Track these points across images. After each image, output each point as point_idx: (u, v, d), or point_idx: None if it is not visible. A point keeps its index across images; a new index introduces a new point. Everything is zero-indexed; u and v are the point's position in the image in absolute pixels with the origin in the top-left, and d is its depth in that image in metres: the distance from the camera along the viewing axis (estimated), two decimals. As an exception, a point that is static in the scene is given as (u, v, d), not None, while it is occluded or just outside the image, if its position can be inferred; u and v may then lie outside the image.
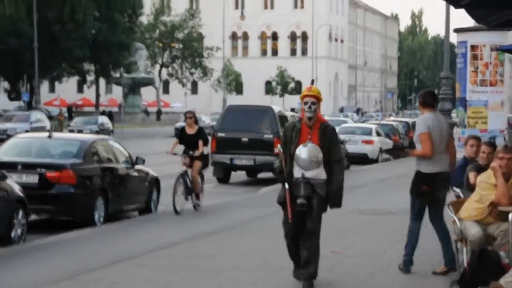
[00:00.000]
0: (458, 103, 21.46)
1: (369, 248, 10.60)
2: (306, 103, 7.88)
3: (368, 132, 31.71)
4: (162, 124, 73.20)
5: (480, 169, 8.89)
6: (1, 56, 56.98)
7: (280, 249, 10.30)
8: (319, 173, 7.81)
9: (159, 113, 79.54)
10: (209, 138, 17.37)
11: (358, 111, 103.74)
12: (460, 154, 10.16)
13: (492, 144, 9.59)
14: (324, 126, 7.90)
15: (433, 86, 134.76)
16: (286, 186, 7.79)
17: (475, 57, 20.39)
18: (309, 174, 7.79)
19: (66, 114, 72.56)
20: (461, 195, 9.13)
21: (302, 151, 7.78)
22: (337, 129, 32.19)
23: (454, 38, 23.28)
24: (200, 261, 9.49)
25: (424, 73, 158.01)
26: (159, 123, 74.61)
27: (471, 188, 8.76)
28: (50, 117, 51.56)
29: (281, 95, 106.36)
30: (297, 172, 7.83)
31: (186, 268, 9.02)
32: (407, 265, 8.89)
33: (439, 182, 8.69)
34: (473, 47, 20.43)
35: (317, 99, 7.90)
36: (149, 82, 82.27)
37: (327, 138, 7.85)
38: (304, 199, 7.72)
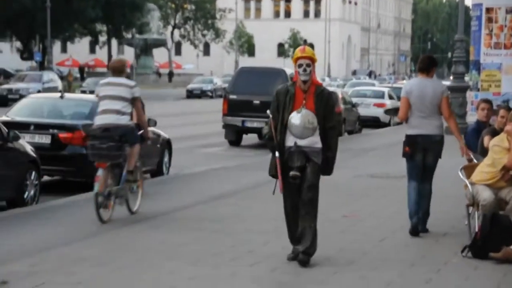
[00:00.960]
0: (471, 66, 21.31)
1: (381, 211, 10.61)
2: (300, 65, 7.31)
3: (381, 95, 31.56)
4: (174, 85, 73.15)
5: (495, 133, 8.85)
6: (13, 16, 56.85)
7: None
8: (314, 141, 7.32)
9: (171, 74, 79.46)
10: (221, 100, 17.33)
11: (370, 74, 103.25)
12: (473, 118, 10.14)
13: (509, 108, 9.54)
14: (320, 90, 7.37)
15: (447, 49, 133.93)
16: (277, 154, 7.29)
17: (490, 20, 20.20)
18: (303, 142, 7.30)
19: (78, 75, 72.62)
20: (474, 159, 9.11)
21: (296, 118, 7.26)
22: (349, 92, 32.14)
23: (469, 1, 23.04)
24: (213, 223, 9.53)
25: (438, 36, 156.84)
26: (171, 85, 74.56)
27: (485, 152, 8.73)
28: (62, 78, 51.55)
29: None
30: (290, 141, 7.34)
31: (198, 230, 9.05)
32: (412, 219, 9.04)
33: (423, 145, 8.93)
34: (488, 10, 20.23)
35: (312, 60, 7.36)
36: (161, 44, 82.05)
37: (323, 103, 7.32)
38: (298, 170, 7.25)
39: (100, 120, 9.62)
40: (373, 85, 41.48)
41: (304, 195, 7.30)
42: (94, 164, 9.60)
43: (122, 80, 9.77)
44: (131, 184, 9.99)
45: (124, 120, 9.60)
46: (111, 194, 9.49)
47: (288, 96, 7.34)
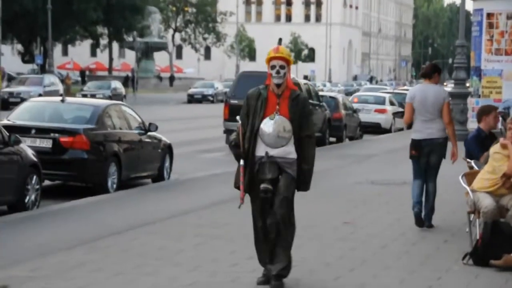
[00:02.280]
0: (472, 72, 21.32)
1: (381, 218, 10.60)
2: (273, 66, 6.60)
3: (382, 101, 31.56)
4: (176, 90, 73.16)
5: None
6: (15, 17, 56.87)
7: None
8: (288, 151, 6.61)
9: (172, 78, 79.47)
10: (222, 104, 17.32)
11: (371, 79, 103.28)
12: (474, 124, 10.19)
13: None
14: (295, 94, 6.66)
15: (448, 54, 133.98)
16: (241, 162, 6.60)
17: (490, 25, 20.23)
18: (275, 152, 6.59)
19: (79, 78, 72.65)
20: (475, 166, 9.11)
21: (269, 125, 6.55)
22: (350, 98, 32.12)
23: (470, 6, 23.11)
24: (212, 229, 9.52)
25: (439, 41, 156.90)
26: (172, 89, 74.57)
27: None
28: (62, 81, 51.60)
29: (294, 62, 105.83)
30: (260, 150, 6.63)
31: (197, 236, 9.04)
32: (415, 207, 9.64)
33: (427, 148, 9.62)
34: (489, 15, 20.27)
35: (287, 61, 6.65)
36: (162, 47, 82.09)
37: (299, 109, 6.61)
38: (269, 183, 6.54)
39: None
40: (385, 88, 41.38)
41: (276, 210, 6.58)
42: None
43: None
44: None
45: None
46: None
47: (260, 101, 6.65)
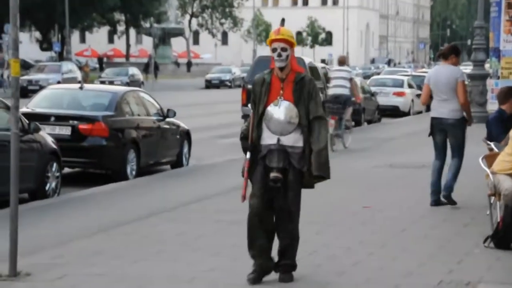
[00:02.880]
0: (491, 53, 21.14)
1: (401, 202, 10.57)
2: (274, 49, 6.27)
3: (400, 84, 31.40)
4: (193, 75, 73.20)
5: None
6: (32, 6, 57.05)
7: (311, 204, 10.31)
8: (296, 139, 6.32)
9: (189, 64, 79.49)
10: (240, 90, 17.33)
11: (389, 62, 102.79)
12: (494, 106, 10.14)
13: None
14: (300, 77, 6.34)
15: (467, 36, 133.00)
16: (247, 155, 6.30)
17: (509, 6, 20.01)
18: (284, 139, 6.30)
19: (97, 65, 72.84)
20: (494, 148, 9.05)
21: (275, 111, 6.27)
22: (368, 81, 31.99)
23: (489, -13, 22.87)
24: (231, 214, 9.52)
25: (457, 22, 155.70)
26: (189, 75, 74.61)
27: None
28: (80, 68, 51.80)
29: (312, 46, 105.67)
30: (269, 137, 6.32)
31: (217, 222, 9.06)
32: (432, 196, 10.00)
33: (438, 127, 9.87)
34: (508, -5, 20.02)
35: (289, 43, 6.31)
36: (179, 33, 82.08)
37: (304, 92, 6.31)
38: (279, 171, 6.25)
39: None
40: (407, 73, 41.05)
41: (285, 205, 6.30)
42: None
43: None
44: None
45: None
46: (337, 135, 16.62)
47: (265, 86, 6.36)
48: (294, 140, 6.32)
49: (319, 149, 6.26)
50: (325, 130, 6.36)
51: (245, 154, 6.36)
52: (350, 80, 17.24)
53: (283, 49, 6.28)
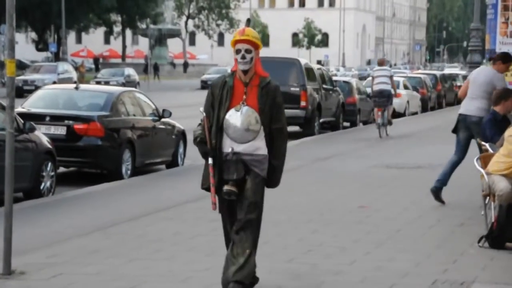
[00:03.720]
0: (487, 55, 21.16)
1: (397, 201, 10.57)
2: (238, 51, 5.86)
3: (396, 86, 31.32)
4: (189, 76, 73.22)
5: None
6: (29, 6, 57.03)
7: (308, 203, 10.33)
8: (256, 147, 5.86)
9: (185, 65, 79.49)
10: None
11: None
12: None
13: None
14: (265, 82, 5.90)
15: (463, 38, 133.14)
16: (210, 161, 5.86)
17: (506, 8, 20.03)
18: (241, 148, 5.84)
19: (93, 66, 72.83)
20: (489, 149, 9.06)
21: (236, 117, 5.81)
22: (364, 82, 32.00)
23: (485, -11, 22.90)
24: (227, 214, 9.52)
25: (453, 24, 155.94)
26: (185, 75, 74.62)
27: None
28: (76, 68, 51.79)
29: (308, 48, 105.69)
30: (226, 146, 5.89)
31: (213, 222, 9.03)
32: (435, 189, 10.14)
33: (462, 123, 10.06)
34: (504, -3, 20.05)
35: (254, 45, 5.88)
36: (175, 34, 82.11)
37: (270, 99, 5.86)
38: (235, 184, 5.83)
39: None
40: (405, 74, 41.04)
41: (243, 216, 5.85)
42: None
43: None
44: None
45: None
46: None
47: (225, 90, 5.89)
48: (254, 148, 5.87)
49: (277, 165, 5.96)
50: (284, 144, 5.99)
51: (205, 159, 5.92)
52: (391, 77, 20.59)
53: (247, 51, 5.87)
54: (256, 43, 5.90)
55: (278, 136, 5.94)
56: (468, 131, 10.07)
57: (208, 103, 5.94)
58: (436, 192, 10.14)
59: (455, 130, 10.25)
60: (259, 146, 5.89)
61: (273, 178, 6.00)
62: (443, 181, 10.15)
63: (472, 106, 10.01)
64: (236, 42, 5.91)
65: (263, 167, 5.90)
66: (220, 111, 5.89)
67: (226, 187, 5.84)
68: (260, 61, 5.96)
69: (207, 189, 5.96)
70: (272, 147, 5.93)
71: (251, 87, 5.90)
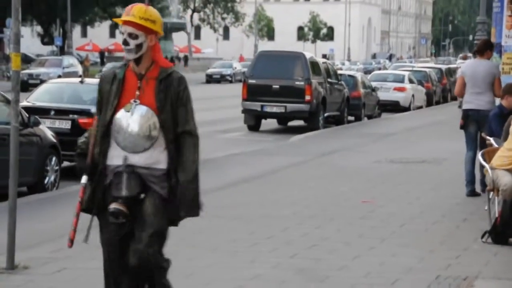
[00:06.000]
0: (496, 49, 21.12)
1: (401, 197, 10.57)
2: (122, 34, 4.62)
3: (400, 79, 31.38)
4: (193, 70, 73.18)
5: None
6: (34, 0, 57.02)
7: (312, 198, 10.32)
8: (156, 159, 4.56)
9: (186, 59, 79.42)
10: (241, 84, 17.36)
11: (391, 57, 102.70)
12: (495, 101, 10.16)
13: None
14: (166, 73, 4.60)
15: (469, 31, 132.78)
16: (83, 180, 4.63)
17: (512, 1, 20.00)
18: (137, 159, 4.55)
19: (98, 59, 72.86)
20: (494, 143, 9.05)
21: (126, 119, 4.55)
22: (369, 76, 31.97)
23: (491, -18, 22.83)
24: (231, 209, 9.54)
25: (459, 18, 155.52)
26: (188, 69, 74.57)
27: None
28: (81, 62, 51.82)
29: (313, 41, 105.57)
30: (116, 156, 4.59)
31: (216, 217, 9.05)
32: (467, 187, 10.21)
33: (473, 118, 10.14)
34: (511, -9, 19.98)
35: (143, 29, 4.55)
36: (180, 27, 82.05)
37: (171, 94, 4.56)
38: (124, 202, 4.51)
39: None
40: (413, 67, 40.87)
41: (142, 248, 4.52)
42: None
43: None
44: None
45: None
46: None
47: (115, 84, 4.61)
48: (152, 160, 4.56)
49: (186, 181, 4.56)
50: (196, 153, 4.61)
51: (80, 176, 4.68)
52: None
53: (132, 36, 4.55)
54: (146, 26, 4.54)
55: (186, 142, 4.59)
56: (477, 125, 10.18)
57: (98, 101, 4.71)
58: (473, 193, 10.21)
59: (463, 127, 10.32)
60: (159, 159, 4.57)
61: (184, 201, 4.56)
62: (472, 180, 10.27)
63: (482, 101, 10.15)
64: (122, 23, 4.60)
65: (164, 184, 4.56)
66: (106, 111, 4.61)
67: (113, 206, 4.52)
68: (159, 47, 4.69)
69: (86, 210, 4.74)
70: (179, 157, 4.58)
71: (147, 80, 4.58)
